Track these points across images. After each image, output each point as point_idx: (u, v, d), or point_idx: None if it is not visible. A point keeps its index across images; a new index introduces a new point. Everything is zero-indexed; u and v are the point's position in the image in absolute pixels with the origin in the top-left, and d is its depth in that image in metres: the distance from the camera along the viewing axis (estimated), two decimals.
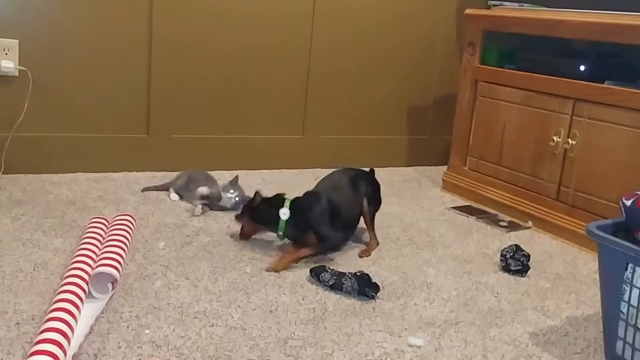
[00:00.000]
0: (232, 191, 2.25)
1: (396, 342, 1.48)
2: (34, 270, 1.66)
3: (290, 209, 1.91)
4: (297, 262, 1.86)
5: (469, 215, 2.50)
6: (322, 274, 1.72)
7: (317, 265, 1.80)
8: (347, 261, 1.93)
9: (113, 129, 2.56)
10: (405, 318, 1.61)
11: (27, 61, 2.36)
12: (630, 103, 2.10)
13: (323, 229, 1.91)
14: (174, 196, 2.33)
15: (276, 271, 1.80)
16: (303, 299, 1.65)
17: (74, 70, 2.45)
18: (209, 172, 2.42)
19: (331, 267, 1.77)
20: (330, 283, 1.70)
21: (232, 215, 2.11)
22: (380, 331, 1.53)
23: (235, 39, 2.70)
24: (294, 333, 1.48)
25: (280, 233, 1.92)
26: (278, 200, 1.94)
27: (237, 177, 2.31)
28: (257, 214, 1.96)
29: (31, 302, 1.49)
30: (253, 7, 2.70)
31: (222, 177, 2.45)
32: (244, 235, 2.00)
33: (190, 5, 2.58)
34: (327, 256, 1.94)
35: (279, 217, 1.90)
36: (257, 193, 1.96)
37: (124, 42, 2.51)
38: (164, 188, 2.39)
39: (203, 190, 2.24)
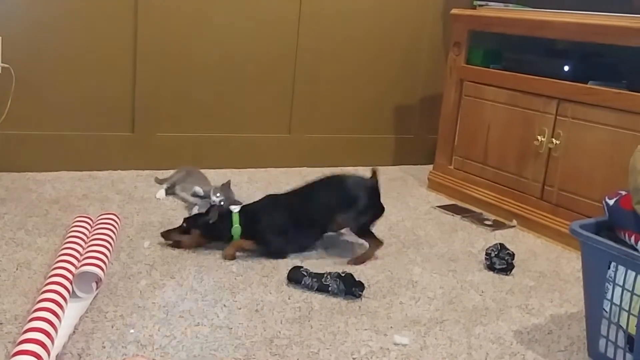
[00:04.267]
0: (218, 194, 2.24)
1: (382, 341, 1.48)
2: (17, 269, 1.64)
3: (239, 222, 1.91)
4: (241, 251, 1.89)
5: (454, 214, 2.51)
6: (303, 280, 1.70)
7: (290, 269, 1.75)
8: (322, 263, 1.93)
9: (98, 127, 2.54)
10: (391, 317, 1.61)
11: (10, 58, 2.33)
12: (613, 103, 2.12)
13: (267, 236, 1.91)
14: (160, 194, 2.33)
15: (225, 259, 1.85)
16: (289, 298, 1.65)
17: (58, 68, 2.43)
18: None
19: (305, 268, 1.75)
20: (315, 287, 1.69)
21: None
22: (365, 330, 1.53)
23: (222, 37, 2.69)
24: (279, 332, 1.48)
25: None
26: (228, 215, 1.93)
27: (229, 182, 2.30)
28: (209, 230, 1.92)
29: (14, 301, 1.48)
30: (239, 7, 2.69)
31: (208, 175, 2.44)
32: (187, 245, 1.91)
33: (176, 3, 2.56)
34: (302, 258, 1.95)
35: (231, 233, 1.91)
36: (212, 207, 1.95)
37: (108, 40, 2.49)
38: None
39: (199, 190, 2.25)
